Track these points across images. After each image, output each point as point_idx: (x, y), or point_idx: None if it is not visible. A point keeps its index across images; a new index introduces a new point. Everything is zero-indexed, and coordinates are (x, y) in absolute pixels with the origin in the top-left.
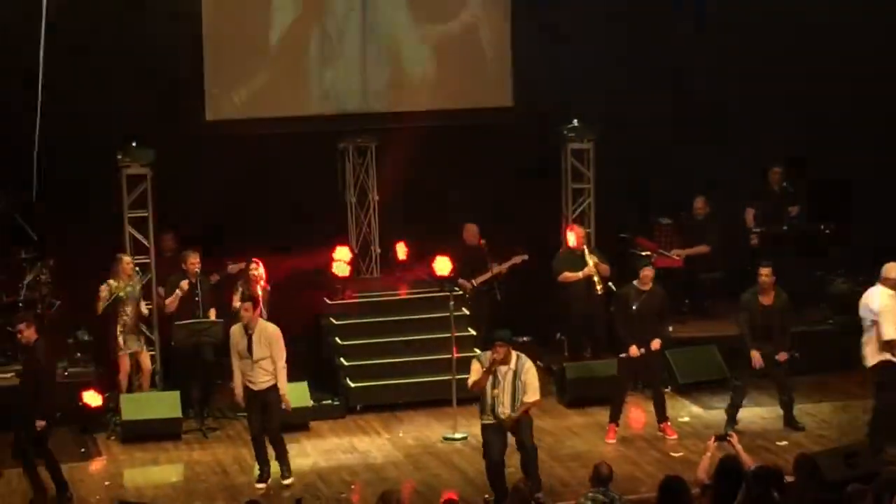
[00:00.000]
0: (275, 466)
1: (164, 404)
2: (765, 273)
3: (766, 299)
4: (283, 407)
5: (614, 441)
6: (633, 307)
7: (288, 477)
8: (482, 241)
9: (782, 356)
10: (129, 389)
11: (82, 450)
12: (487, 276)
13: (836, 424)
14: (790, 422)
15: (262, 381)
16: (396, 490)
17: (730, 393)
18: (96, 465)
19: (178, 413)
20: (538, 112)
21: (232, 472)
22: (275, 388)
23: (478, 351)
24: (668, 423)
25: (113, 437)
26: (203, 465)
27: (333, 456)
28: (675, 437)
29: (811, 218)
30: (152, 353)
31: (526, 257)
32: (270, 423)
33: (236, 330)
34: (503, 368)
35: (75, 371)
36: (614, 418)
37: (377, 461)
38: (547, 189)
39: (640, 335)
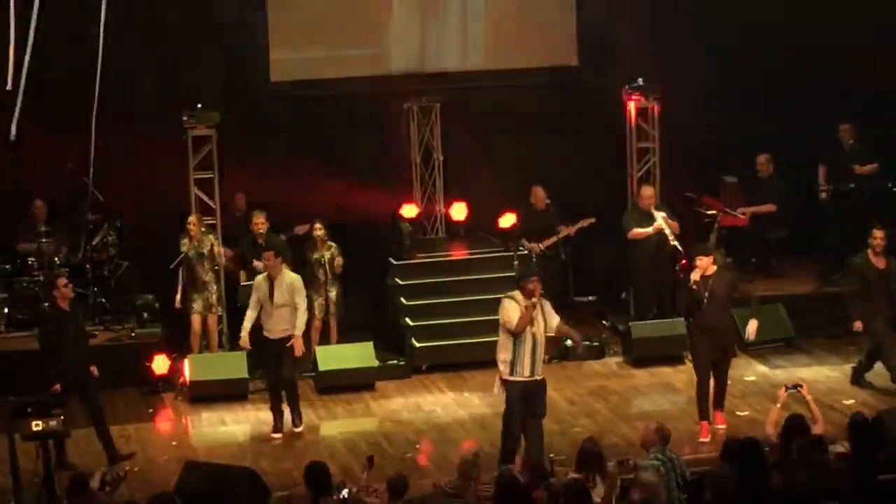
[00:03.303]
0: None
1: (231, 365)
2: (879, 236)
3: (881, 262)
4: (295, 352)
5: (708, 439)
6: (704, 299)
7: (299, 425)
8: (548, 204)
9: None
10: (198, 350)
11: (150, 410)
12: (555, 239)
13: None
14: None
15: (279, 328)
16: (474, 452)
17: (800, 353)
18: (164, 425)
19: (245, 373)
20: (603, 71)
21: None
22: (290, 337)
23: None
24: (721, 411)
25: (180, 398)
26: (269, 425)
27: (399, 416)
28: (723, 426)
29: (881, 175)
30: (219, 313)
31: (594, 220)
32: (285, 371)
33: (260, 278)
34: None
35: (143, 332)
36: (704, 415)
37: (442, 421)
38: (612, 148)
39: (711, 319)
